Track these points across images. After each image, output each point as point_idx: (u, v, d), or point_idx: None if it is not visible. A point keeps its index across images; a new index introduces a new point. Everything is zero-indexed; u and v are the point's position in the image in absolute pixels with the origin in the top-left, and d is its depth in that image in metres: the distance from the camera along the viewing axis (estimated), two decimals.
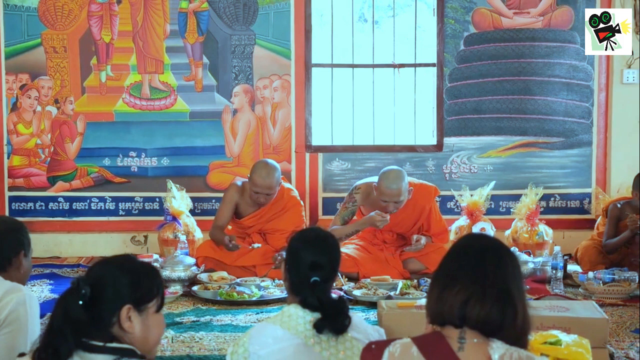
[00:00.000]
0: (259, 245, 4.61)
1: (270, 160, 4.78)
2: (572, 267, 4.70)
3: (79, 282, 1.69)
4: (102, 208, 5.55)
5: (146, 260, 3.47)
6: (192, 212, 5.27)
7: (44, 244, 5.35)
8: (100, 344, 1.67)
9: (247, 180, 4.72)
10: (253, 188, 4.58)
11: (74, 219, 5.56)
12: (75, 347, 1.66)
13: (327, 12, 5.76)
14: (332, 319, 2.11)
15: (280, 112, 5.58)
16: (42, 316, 2.52)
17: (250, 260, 4.60)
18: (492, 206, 5.40)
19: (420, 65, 5.70)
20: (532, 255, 4.62)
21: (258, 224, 4.76)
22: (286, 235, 4.34)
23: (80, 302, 1.67)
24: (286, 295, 2.48)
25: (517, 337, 1.67)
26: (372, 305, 3.79)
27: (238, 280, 4.31)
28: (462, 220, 5.21)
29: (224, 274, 4.41)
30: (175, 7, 5.52)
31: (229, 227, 4.78)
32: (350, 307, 2.21)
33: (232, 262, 4.56)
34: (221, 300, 4.00)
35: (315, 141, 5.65)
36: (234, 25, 5.55)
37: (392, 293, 3.99)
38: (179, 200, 5.15)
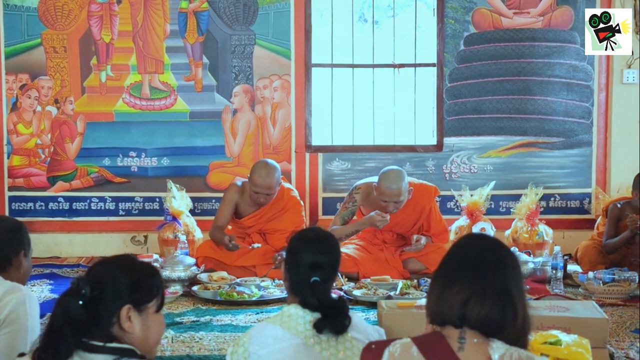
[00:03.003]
0: (259, 245, 4.60)
1: (270, 160, 4.77)
2: (572, 267, 4.69)
3: (79, 282, 1.69)
4: (102, 208, 5.55)
5: (146, 260, 3.47)
6: (192, 212, 5.27)
7: (44, 244, 5.35)
8: (100, 344, 1.67)
9: (247, 180, 4.71)
10: (253, 188, 4.57)
11: (74, 219, 5.56)
12: (75, 347, 1.65)
13: (327, 12, 5.75)
14: (332, 319, 2.11)
15: (280, 112, 5.57)
16: (42, 316, 2.52)
17: (250, 260, 4.60)
18: (492, 206, 5.40)
19: (420, 65, 5.70)
20: (532, 255, 4.62)
21: (258, 224, 4.76)
22: (286, 236, 4.34)
23: (80, 302, 1.66)
24: (286, 295, 2.49)
25: (517, 337, 1.67)
26: (372, 305, 3.79)
27: (238, 280, 4.30)
28: (462, 220, 5.21)
29: (224, 274, 4.40)
30: (175, 7, 5.52)
31: (229, 227, 4.78)
32: (350, 307, 2.21)
33: (232, 262, 4.56)
34: (221, 300, 4.00)
35: (315, 141, 5.65)
36: (234, 25, 5.55)
37: (392, 293, 3.99)
38: (178, 200, 5.14)
